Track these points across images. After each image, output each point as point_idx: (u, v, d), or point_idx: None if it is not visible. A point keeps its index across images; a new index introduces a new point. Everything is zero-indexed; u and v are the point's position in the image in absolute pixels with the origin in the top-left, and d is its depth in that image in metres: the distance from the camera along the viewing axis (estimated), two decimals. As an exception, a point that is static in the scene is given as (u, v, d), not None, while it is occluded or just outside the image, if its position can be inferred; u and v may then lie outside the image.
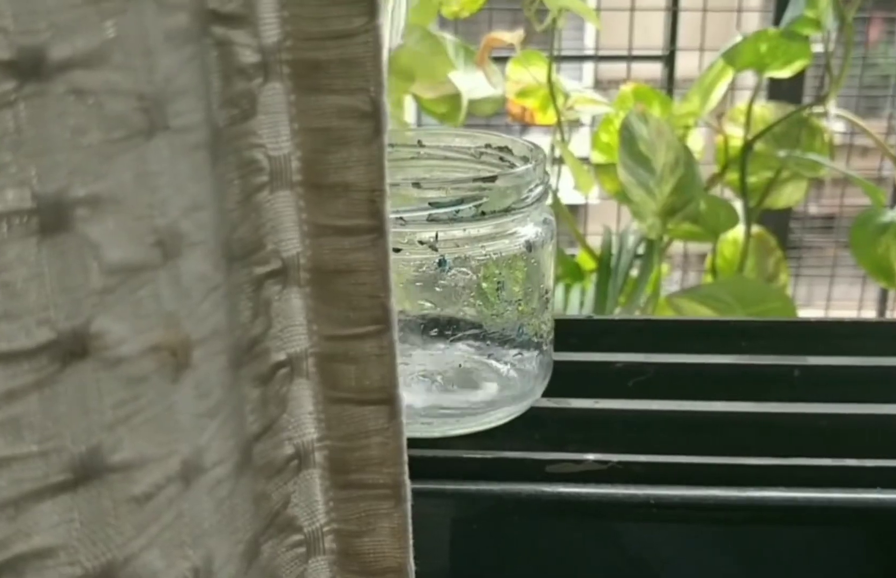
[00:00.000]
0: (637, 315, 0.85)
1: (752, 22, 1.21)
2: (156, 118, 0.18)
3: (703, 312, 0.77)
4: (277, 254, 0.24)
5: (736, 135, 0.90)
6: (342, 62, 0.23)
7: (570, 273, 0.91)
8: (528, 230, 0.36)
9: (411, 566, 0.27)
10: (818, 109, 0.87)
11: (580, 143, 1.02)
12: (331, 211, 0.24)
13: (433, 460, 0.35)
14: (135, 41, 0.18)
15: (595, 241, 0.93)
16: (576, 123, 1.01)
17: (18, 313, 0.16)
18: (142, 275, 0.18)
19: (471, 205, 0.34)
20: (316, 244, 0.24)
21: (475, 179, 0.34)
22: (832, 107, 0.86)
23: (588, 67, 1.50)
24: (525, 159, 0.37)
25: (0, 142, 0.16)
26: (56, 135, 0.16)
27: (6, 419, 0.17)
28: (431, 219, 0.33)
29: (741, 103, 0.93)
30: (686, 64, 1.06)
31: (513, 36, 0.92)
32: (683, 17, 1.06)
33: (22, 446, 0.17)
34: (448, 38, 0.92)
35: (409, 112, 0.95)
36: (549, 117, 0.93)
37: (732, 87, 0.95)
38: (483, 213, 0.34)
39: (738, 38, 0.86)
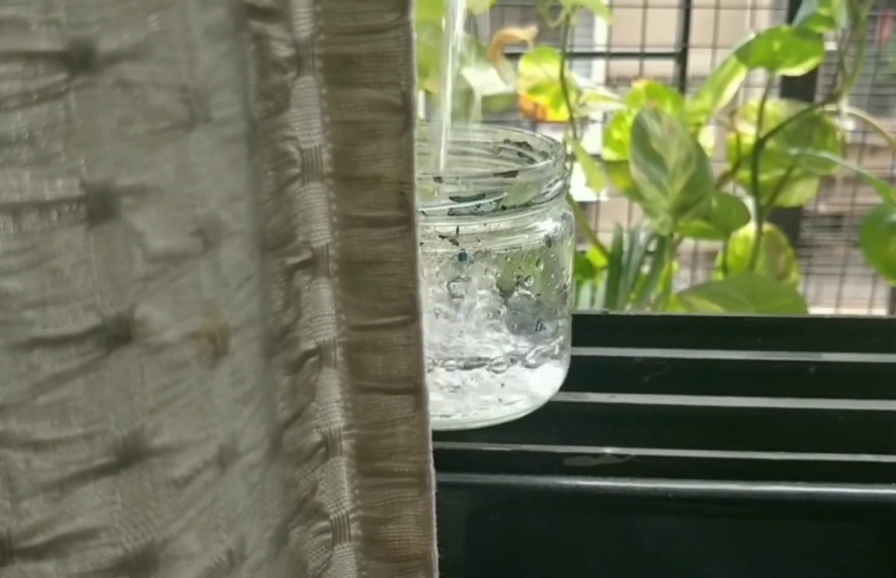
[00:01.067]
0: (649, 311, 0.85)
1: (765, 19, 1.21)
2: (197, 110, 0.19)
3: (715, 309, 0.77)
4: (307, 245, 0.24)
5: (748, 132, 0.90)
6: (373, 56, 0.23)
7: (582, 269, 0.91)
8: (548, 225, 0.36)
9: (435, 554, 0.28)
10: (830, 107, 0.87)
11: (592, 140, 1.03)
12: (360, 202, 0.24)
13: (451, 452, 0.35)
14: (178, 35, 0.18)
15: (606, 238, 0.93)
16: (586, 120, 1.01)
17: (66, 299, 0.17)
18: (183, 263, 0.19)
19: (491, 199, 0.34)
20: (345, 235, 0.25)
21: (496, 174, 0.35)
22: (844, 105, 0.86)
23: (598, 65, 1.50)
24: (544, 154, 0.38)
25: (51, 131, 0.16)
26: (104, 126, 0.17)
27: (53, 402, 0.17)
28: (452, 214, 0.34)
29: (753, 101, 0.93)
30: (698, 61, 1.06)
31: (525, 32, 0.92)
32: (696, 14, 1.06)
33: (68, 429, 0.17)
34: (460, 33, 0.92)
35: (420, 107, 0.95)
36: (562, 114, 0.93)
37: (745, 85, 0.95)
38: (503, 208, 0.34)
39: (751, 36, 0.86)
